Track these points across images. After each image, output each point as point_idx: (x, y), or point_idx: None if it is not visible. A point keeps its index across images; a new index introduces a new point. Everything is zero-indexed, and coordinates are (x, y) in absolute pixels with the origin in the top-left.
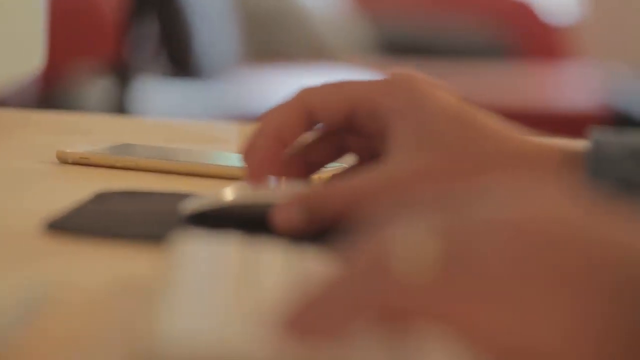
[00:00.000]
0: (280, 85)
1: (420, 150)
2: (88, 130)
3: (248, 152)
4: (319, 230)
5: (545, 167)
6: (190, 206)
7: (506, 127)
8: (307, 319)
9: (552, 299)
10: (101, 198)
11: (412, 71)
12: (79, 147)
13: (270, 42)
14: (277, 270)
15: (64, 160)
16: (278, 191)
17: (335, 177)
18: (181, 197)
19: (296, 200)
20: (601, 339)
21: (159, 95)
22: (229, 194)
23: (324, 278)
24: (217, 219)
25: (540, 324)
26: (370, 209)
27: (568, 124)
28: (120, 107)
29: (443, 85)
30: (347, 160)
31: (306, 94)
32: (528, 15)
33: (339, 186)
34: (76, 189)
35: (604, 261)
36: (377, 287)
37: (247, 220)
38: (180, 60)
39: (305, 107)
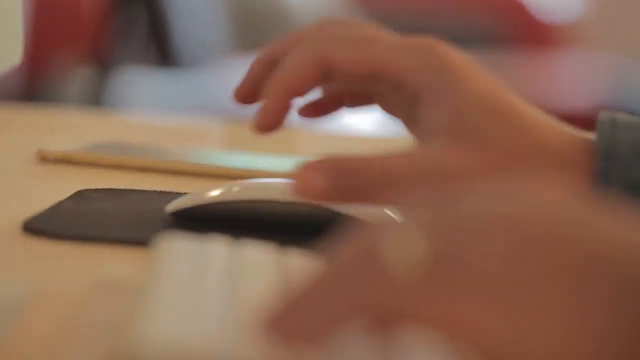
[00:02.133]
0: None
1: (463, 143)
2: (69, 127)
3: (247, 86)
4: (342, 202)
5: (577, 163)
6: (174, 204)
7: (541, 115)
8: (290, 319)
9: (546, 298)
10: (81, 197)
11: (437, 41)
12: (60, 145)
13: (256, 33)
14: (260, 273)
15: (45, 159)
16: (266, 188)
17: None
18: (163, 195)
19: (323, 162)
20: (600, 339)
21: (142, 87)
22: (213, 192)
23: (309, 275)
24: (202, 217)
25: (534, 325)
26: (403, 195)
27: (564, 120)
28: (102, 99)
29: (471, 61)
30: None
31: (329, 49)
32: (522, 8)
33: (374, 159)
34: (57, 188)
35: (602, 260)
36: (364, 284)
37: (232, 218)
38: (164, 51)
39: (326, 64)
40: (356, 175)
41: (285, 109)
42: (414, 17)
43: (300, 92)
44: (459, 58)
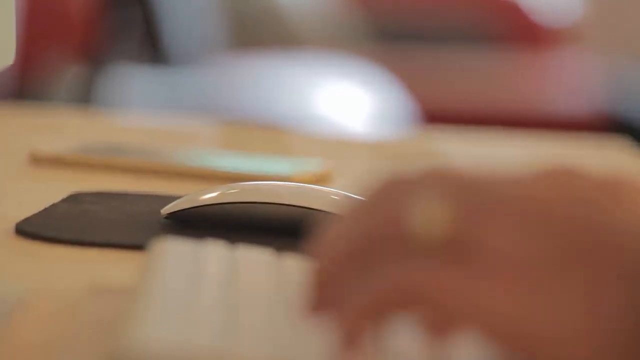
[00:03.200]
0: (259, 73)
1: None
2: (61, 128)
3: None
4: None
5: None
6: (169, 206)
7: None
8: (327, 292)
9: (561, 283)
10: (74, 199)
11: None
12: (52, 146)
13: (250, 30)
14: (256, 278)
15: (37, 160)
16: (264, 190)
17: None
18: (157, 198)
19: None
20: (613, 328)
21: (135, 85)
22: (209, 194)
23: (327, 241)
24: (197, 220)
25: (546, 307)
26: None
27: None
28: (94, 97)
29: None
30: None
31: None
32: (518, 8)
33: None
34: (49, 190)
35: (621, 249)
36: (386, 256)
37: (228, 221)
38: (157, 48)
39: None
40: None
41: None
42: (411, 16)
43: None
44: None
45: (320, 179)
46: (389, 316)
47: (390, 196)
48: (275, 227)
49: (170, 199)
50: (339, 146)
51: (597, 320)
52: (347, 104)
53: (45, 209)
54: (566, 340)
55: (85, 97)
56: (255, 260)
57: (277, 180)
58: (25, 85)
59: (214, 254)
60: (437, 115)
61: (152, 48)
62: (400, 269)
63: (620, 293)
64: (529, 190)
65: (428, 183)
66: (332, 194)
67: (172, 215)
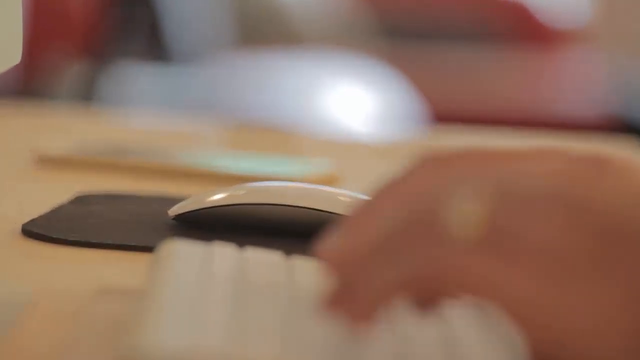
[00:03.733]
0: (264, 72)
1: None
2: (66, 128)
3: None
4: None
5: None
6: (177, 208)
7: None
8: (351, 289)
9: (593, 283)
10: (81, 200)
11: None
12: (57, 146)
13: (254, 28)
14: (266, 281)
15: (42, 161)
16: (271, 192)
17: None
18: (163, 199)
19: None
20: (635, 333)
21: (138, 83)
22: (217, 195)
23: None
24: (205, 221)
25: (578, 304)
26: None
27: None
28: (98, 95)
29: None
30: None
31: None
32: (525, 9)
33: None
34: (55, 191)
35: None
36: (423, 242)
37: (236, 222)
38: (160, 46)
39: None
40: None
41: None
42: (418, 15)
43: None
44: None
45: (328, 180)
46: (414, 298)
47: (427, 183)
48: (284, 228)
49: (177, 200)
50: (346, 147)
51: (633, 315)
52: (353, 103)
53: (52, 210)
54: (600, 333)
55: (88, 95)
56: (264, 262)
57: (285, 182)
58: (28, 83)
59: (222, 255)
60: (444, 115)
61: (156, 46)
62: (434, 253)
63: None
64: (570, 184)
65: (464, 171)
66: (340, 195)
67: (180, 217)
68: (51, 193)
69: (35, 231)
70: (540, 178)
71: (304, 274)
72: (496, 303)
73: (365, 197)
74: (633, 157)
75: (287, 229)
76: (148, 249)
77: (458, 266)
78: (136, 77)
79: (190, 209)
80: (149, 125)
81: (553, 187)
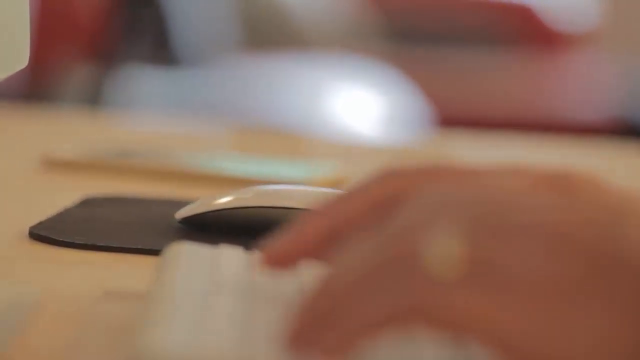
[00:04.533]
0: (270, 75)
1: None
2: (73, 130)
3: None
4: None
5: None
6: (184, 211)
7: None
8: (319, 326)
9: (580, 310)
10: (88, 204)
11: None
12: (64, 149)
13: (261, 31)
14: (273, 285)
15: (49, 164)
16: (279, 194)
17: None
18: (170, 202)
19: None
20: (628, 351)
21: (146, 86)
22: (224, 198)
23: (337, 272)
24: (212, 224)
25: (566, 333)
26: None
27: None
28: (105, 98)
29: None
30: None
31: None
32: (532, 13)
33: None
34: (62, 194)
35: (638, 271)
36: (402, 280)
37: (243, 226)
38: (168, 49)
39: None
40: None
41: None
42: (424, 18)
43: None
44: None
45: (335, 183)
46: (392, 333)
47: (403, 223)
48: None
49: (183, 203)
50: (353, 150)
51: (611, 342)
52: (360, 105)
53: (59, 213)
54: (596, 357)
55: (95, 98)
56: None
57: (292, 184)
58: (35, 86)
59: (229, 259)
60: (450, 118)
61: (163, 49)
62: (416, 289)
63: (636, 316)
64: (544, 211)
65: (443, 206)
66: None
67: (186, 220)
68: (58, 196)
69: (42, 234)
70: (516, 205)
71: (310, 277)
72: (484, 338)
73: (326, 200)
74: (590, 172)
75: None
76: (154, 252)
77: (443, 303)
78: (143, 80)
79: (197, 212)
80: (156, 128)
81: (531, 214)
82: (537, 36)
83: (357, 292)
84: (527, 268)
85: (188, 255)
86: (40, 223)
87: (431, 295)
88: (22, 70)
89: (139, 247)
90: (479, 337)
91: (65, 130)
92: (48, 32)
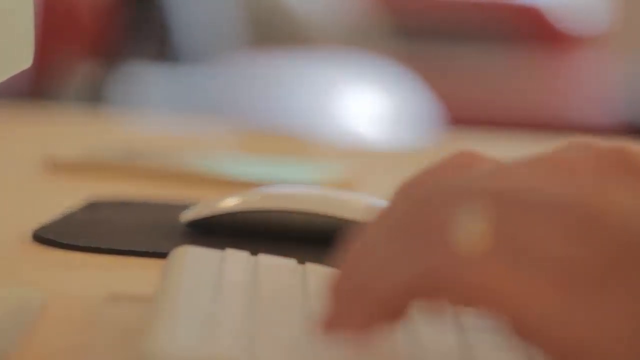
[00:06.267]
0: (275, 73)
1: None
2: (77, 131)
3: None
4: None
5: None
6: (189, 214)
7: None
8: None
9: (607, 290)
10: (92, 207)
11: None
12: (68, 152)
13: (266, 28)
14: (279, 288)
15: (54, 165)
16: (285, 197)
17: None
18: (175, 205)
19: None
20: None
21: (149, 84)
22: (230, 201)
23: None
24: (217, 227)
25: (589, 318)
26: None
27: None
28: (108, 96)
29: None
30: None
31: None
32: (540, 11)
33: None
34: (66, 196)
35: None
36: (429, 250)
37: (249, 228)
38: (171, 47)
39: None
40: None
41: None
42: (432, 17)
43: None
44: None
45: (342, 185)
46: (415, 304)
47: (433, 192)
48: (297, 235)
49: (189, 206)
50: (360, 151)
51: (637, 332)
52: (367, 105)
53: (63, 216)
54: (605, 347)
55: (99, 96)
56: (278, 270)
57: (299, 187)
58: (38, 85)
59: (235, 262)
60: (458, 117)
61: (166, 47)
62: (437, 258)
63: None
64: (578, 193)
65: (474, 180)
66: (355, 201)
67: (192, 223)
68: (62, 198)
69: (46, 237)
70: (550, 184)
71: (318, 281)
72: (505, 314)
73: (380, 204)
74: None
75: (300, 236)
76: (160, 255)
77: (463, 274)
78: (146, 78)
79: (202, 215)
80: (160, 129)
81: (564, 195)
82: (546, 37)
83: (380, 263)
84: (554, 248)
85: (194, 259)
86: (44, 226)
87: (452, 266)
88: (25, 69)
89: (145, 250)
90: (495, 312)
91: (69, 131)
92: (51, 30)
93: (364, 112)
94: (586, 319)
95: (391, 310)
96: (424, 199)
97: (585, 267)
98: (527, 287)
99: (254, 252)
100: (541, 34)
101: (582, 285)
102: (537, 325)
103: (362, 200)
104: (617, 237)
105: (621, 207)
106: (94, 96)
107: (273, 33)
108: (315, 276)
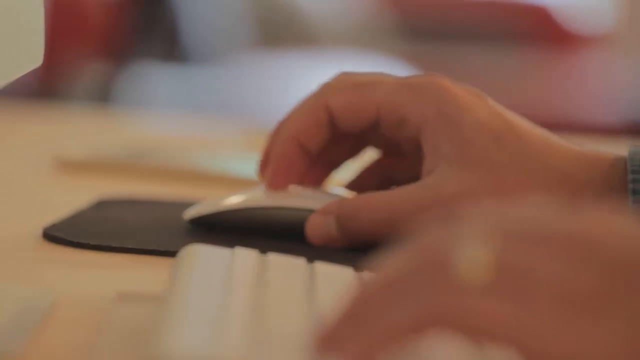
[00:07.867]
0: (282, 73)
1: (462, 168)
2: (86, 130)
3: (266, 159)
4: (353, 243)
5: (592, 182)
6: (192, 211)
7: (550, 138)
8: (348, 331)
9: (605, 316)
10: (101, 205)
11: (439, 76)
12: (77, 151)
13: (273, 28)
14: (287, 287)
15: (63, 164)
16: (288, 195)
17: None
18: (185, 205)
19: (328, 209)
20: None
21: (157, 83)
22: (233, 198)
23: (367, 282)
24: (221, 225)
25: (589, 343)
26: (412, 225)
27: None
28: (117, 95)
29: (475, 92)
30: (365, 157)
31: (328, 97)
32: (548, 12)
33: (376, 197)
34: (75, 194)
35: None
36: (432, 287)
37: (253, 226)
38: (179, 46)
39: (326, 112)
40: (359, 217)
41: (295, 158)
42: (439, 16)
43: (308, 141)
44: (461, 90)
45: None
46: (418, 340)
47: (433, 237)
48: (301, 232)
49: (196, 204)
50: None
51: (633, 356)
52: None
53: (72, 214)
54: None
55: (107, 95)
56: (286, 268)
57: (303, 185)
58: (47, 84)
59: (244, 261)
60: None
61: (174, 47)
62: (441, 292)
63: None
64: (572, 223)
65: (469, 220)
66: None
67: (197, 221)
68: (72, 197)
69: (56, 235)
70: (544, 215)
71: (326, 280)
72: (508, 344)
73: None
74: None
75: (304, 233)
76: (169, 253)
77: (468, 308)
78: (154, 78)
79: (206, 212)
80: (168, 128)
81: (559, 223)
82: (553, 36)
83: (387, 297)
84: (553, 276)
85: (203, 257)
86: (54, 224)
87: (457, 300)
88: (34, 69)
89: (154, 248)
90: (502, 343)
91: (78, 130)
92: (60, 30)
93: None
94: (587, 343)
95: (392, 345)
96: (432, 238)
97: (583, 293)
98: (529, 316)
99: (261, 250)
100: (548, 33)
101: (581, 310)
102: (541, 352)
103: None
104: (611, 263)
105: (614, 234)
106: (103, 95)
107: (281, 33)
108: (324, 276)
